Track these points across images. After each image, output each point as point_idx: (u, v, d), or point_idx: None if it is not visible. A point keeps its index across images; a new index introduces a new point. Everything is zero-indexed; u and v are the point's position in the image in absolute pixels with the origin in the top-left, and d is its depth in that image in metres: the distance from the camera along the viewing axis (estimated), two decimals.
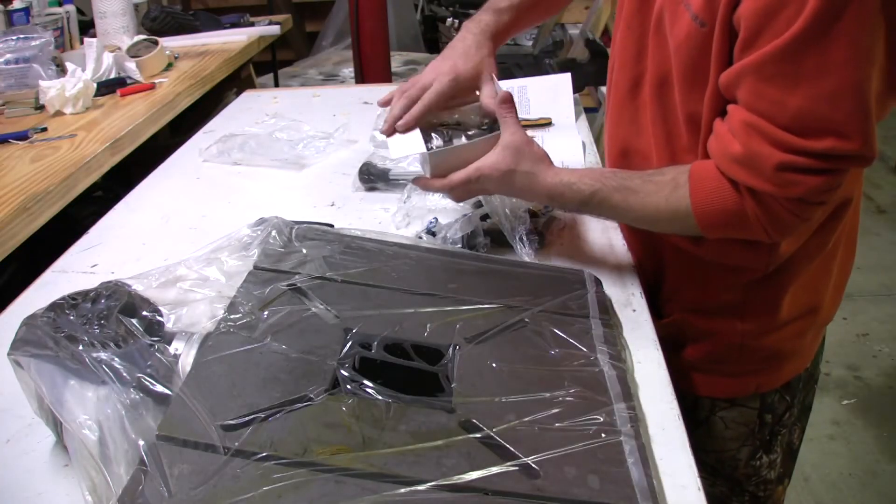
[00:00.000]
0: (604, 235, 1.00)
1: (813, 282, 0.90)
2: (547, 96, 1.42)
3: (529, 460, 0.57)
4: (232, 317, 0.69)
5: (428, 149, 0.89)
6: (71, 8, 2.09)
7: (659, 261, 0.95)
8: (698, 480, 0.61)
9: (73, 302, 0.66)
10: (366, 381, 0.62)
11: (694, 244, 0.87)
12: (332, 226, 0.94)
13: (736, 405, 0.96)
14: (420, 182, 0.91)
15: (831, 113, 0.65)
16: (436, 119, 0.94)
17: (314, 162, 1.30)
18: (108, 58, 1.74)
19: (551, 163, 0.86)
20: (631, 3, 0.87)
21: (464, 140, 0.92)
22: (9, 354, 0.62)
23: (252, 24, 2.35)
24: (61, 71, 1.65)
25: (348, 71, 2.86)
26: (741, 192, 0.73)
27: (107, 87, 1.67)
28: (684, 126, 0.82)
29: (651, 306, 0.86)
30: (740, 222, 0.75)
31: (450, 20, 4.57)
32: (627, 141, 0.93)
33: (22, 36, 1.70)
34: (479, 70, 0.93)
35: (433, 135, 0.93)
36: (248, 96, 1.75)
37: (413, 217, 1.05)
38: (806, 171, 0.68)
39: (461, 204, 1.05)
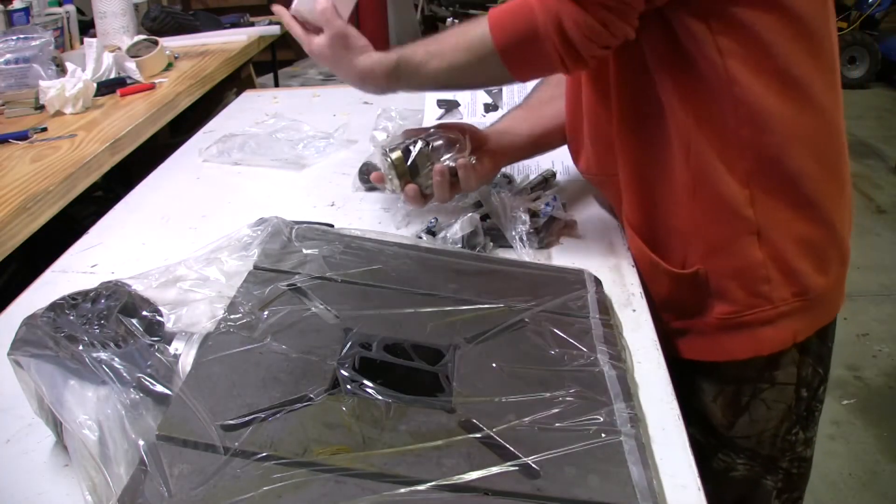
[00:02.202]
0: (604, 235, 1.00)
1: (814, 194, 0.87)
2: None
3: (529, 460, 0.57)
4: (232, 317, 0.69)
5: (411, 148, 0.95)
6: (71, 8, 2.09)
7: (658, 220, 0.93)
8: (698, 480, 0.61)
9: (73, 302, 0.66)
10: (366, 381, 0.62)
11: (687, 178, 0.88)
12: (332, 226, 0.94)
13: (776, 384, 0.95)
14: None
15: None
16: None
17: (314, 162, 1.30)
18: (108, 58, 1.75)
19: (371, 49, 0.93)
20: None
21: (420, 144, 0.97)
22: (9, 354, 0.62)
23: (252, 24, 2.36)
24: (61, 71, 1.66)
25: None
26: (531, 7, 0.80)
27: (107, 87, 1.67)
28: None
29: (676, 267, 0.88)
30: (532, 34, 0.80)
31: (450, 20, 4.57)
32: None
33: (22, 36, 1.70)
34: (475, 137, 1.01)
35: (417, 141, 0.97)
36: (248, 96, 1.75)
37: (413, 217, 1.05)
38: None
39: (461, 203, 1.05)
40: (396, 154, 0.96)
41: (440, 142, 0.97)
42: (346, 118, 1.46)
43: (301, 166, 1.28)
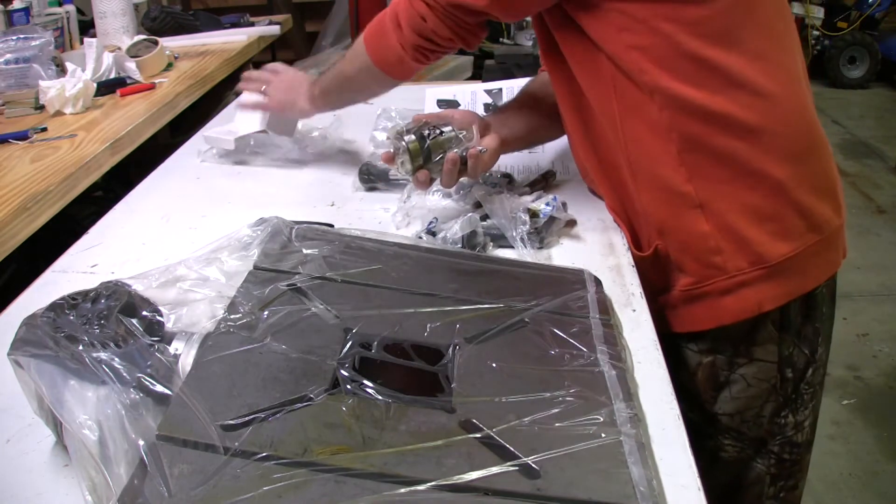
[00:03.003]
0: (604, 235, 1.00)
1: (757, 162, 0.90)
2: None
3: (529, 460, 0.57)
4: (232, 317, 0.69)
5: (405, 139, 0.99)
6: (71, 8, 2.09)
7: (621, 195, 0.99)
8: (698, 480, 0.61)
9: (73, 302, 0.66)
10: (366, 381, 0.62)
11: (626, 159, 0.94)
12: (332, 226, 0.94)
13: (755, 359, 0.97)
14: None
15: None
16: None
17: (314, 162, 1.30)
18: (108, 58, 1.75)
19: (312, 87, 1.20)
20: None
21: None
22: (9, 354, 0.61)
23: (252, 24, 2.36)
24: (61, 71, 1.66)
25: None
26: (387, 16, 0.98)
27: (107, 87, 1.67)
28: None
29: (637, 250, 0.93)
30: (379, 25, 1.00)
31: None
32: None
33: (22, 36, 1.70)
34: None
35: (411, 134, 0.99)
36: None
37: (413, 217, 1.05)
38: None
39: (462, 203, 1.06)
40: (412, 139, 0.98)
41: (452, 131, 0.99)
42: (347, 118, 1.46)
43: (301, 166, 1.28)
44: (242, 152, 1.32)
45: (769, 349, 0.97)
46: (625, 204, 1.00)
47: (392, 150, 1.00)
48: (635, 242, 0.99)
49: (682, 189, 0.90)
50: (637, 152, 0.92)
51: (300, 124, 1.34)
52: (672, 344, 0.96)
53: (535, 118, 1.12)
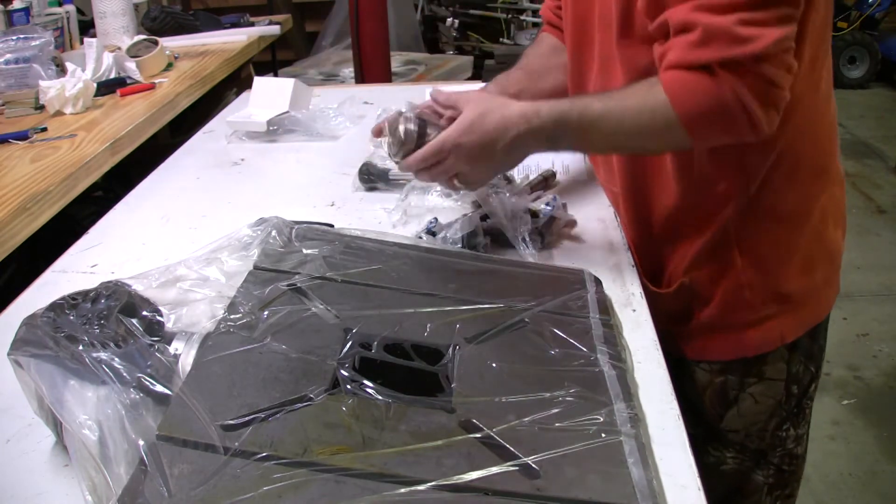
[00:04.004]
0: (604, 235, 1.00)
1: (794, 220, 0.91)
2: None
3: (529, 460, 0.57)
4: (232, 317, 0.69)
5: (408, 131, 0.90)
6: (71, 8, 2.09)
7: (655, 234, 0.96)
8: (698, 480, 0.61)
9: (73, 302, 0.66)
10: (366, 381, 0.62)
11: (677, 192, 0.90)
12: (332, 226, 0.94)
13: (764, 378, 0.96)
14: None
15: None
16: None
17: (314, 161, 1.30)
18: (108, 58, 1.75)
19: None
20: None
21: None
22: (9, 354, 0.62)
23: (252, 24, 2.36)
24: (61, 71, 1.65)
25: (348, 71, 2.86)
26: (715, 74, 0.75)
27: (107, 87, 1.67)
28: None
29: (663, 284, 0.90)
30: (720, 107, 0.76)
31: (450, 20, 4.58)
32: None
33: (22, 36, 1.70)
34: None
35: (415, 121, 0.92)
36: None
37: (411, 216, 1.05)
38: (760, 24, 0.73)
39: (461, 203, 1.05)
40: (410, 128, 0.89)
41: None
42: (347, 118, 1.46)
43: (302, 165, 1.28)
44: (271, 133, 1.41)
45: (779, 367, 0.97)
46: (650, 232, 0.96)
47: (385, 128, 0.92)
48: (652, 278, 0.97)
49: (726, 224, 0.90)
50: (695, 186, 0.89)
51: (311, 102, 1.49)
52: (679, 362, 0.96)
53: (533, 99, 1.04)
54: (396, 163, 0.93)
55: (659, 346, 0.78)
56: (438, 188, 1.05)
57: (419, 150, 0.87)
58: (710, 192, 0.89)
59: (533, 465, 0.56)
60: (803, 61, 0.81)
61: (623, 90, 0.83)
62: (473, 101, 0.86)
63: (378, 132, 0.95)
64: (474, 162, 0.86)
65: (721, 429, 1.00)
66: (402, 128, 0.89)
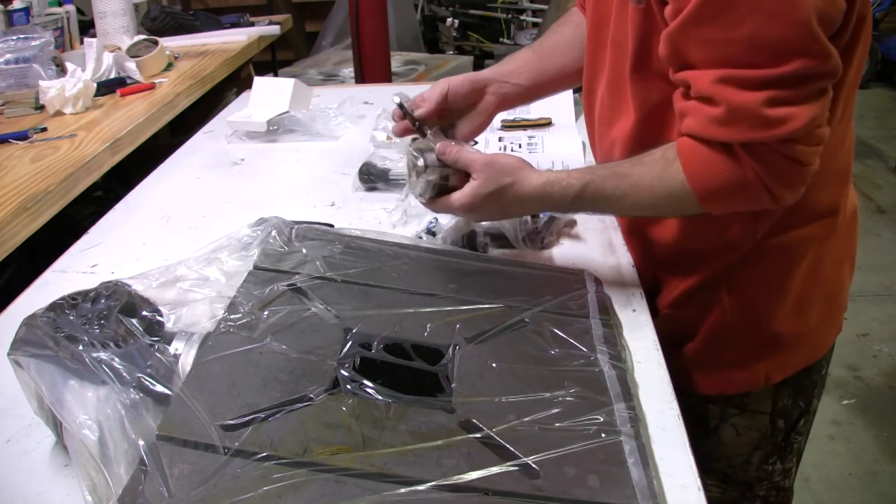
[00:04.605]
0: (604, 235, 1.00)
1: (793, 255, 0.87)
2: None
3: (529, 460, 0.57)
4: (232, 317, 0.69)
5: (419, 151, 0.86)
6: (71, 8, 2.09)
7: (653, 259, 0.94)
8: (698, 480, 0.61)
9: (73, 302, 0.66)
10: (366, 381, 0.62)
11: (684, 232, 0.87)
12: (332, 226, 0.94)
13: (747, 411, 0.94)
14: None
15: (783, 30, 0.65)
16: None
17: (314, 161, 1.30)
18: (108, 58, 1.74)
19: (530, 165, 0.83)
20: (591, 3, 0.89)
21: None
22: (9, 354, 0.62)
23: (252, 24, 2.35)
24: (61, 71, 1.65)
25: (348, 71, 2.86)
26: (736, 155, 0.71)
27: (107, 87, 1.67)
28: (664, 109, 0.80)
29: (651, 308, 0.86)
30: (741, 188, 0.72)
31: (450, 20, 4.57)
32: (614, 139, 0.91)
33: (22, 36, 1.70)
34: (475, 87, 0.96)
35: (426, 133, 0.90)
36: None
37: (411, 216, 1.05)
38: (790, 103, 0.67)
39: None
40: (432, 179, 0.84)
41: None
42: (347, 118, 1.46)
43: (302, 164, 1.28)
44: (271, 133, 1.41)
45: (763, 401, 0.95)
46: (650, 258, 0.94)
47: (409, 160, 0.88)
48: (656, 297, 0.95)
49: (718, 268, 0.87)
50: (693, 227, 0.86)
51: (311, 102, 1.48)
52: None
53: (543, 77, 1.02)
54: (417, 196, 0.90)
55: (659, 347, 0.78)
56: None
57: (441, 204, 0.84)
58: (719, 236, 0.85)
59: (533, 465, 0.56)
60: (835, 115, 0.76)
61: (639, 163, 0.78)
62: (484, 174, 0.81)
63: (401, 132, 0.94)
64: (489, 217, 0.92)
65: (700, 454, 0.99)
66: (422, 180, 0.85)
